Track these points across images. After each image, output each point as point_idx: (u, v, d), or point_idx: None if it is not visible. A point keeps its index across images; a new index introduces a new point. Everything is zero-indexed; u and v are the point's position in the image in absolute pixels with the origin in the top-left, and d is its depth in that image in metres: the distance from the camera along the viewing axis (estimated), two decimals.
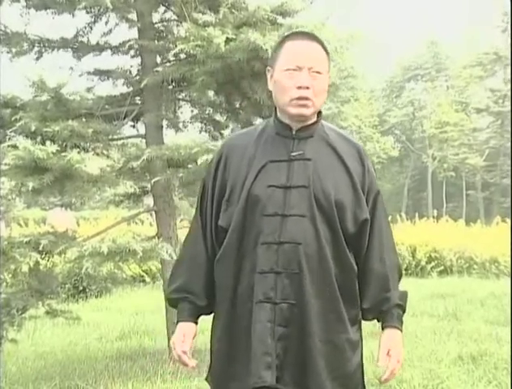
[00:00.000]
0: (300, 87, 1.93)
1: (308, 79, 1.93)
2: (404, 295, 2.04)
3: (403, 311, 2.03)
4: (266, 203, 1.93)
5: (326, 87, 2.00)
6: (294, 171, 1.95)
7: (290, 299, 1.89)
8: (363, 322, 2.07)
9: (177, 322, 2.06)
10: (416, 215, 15.72)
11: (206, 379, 2.10)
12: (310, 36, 2.00)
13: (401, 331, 2.01)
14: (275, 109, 2.06)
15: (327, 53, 2.01)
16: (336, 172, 1.98)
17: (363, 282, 2.00)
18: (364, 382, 2.05)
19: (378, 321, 2.03)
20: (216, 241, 2.03)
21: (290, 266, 1.89)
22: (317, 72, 1.94)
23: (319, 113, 2.04)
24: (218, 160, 2.07)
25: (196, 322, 2.06)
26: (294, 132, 2.01)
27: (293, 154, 1.97)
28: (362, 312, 2.01)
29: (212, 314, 2.09)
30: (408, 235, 12.61)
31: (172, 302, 2.10)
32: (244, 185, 1.97)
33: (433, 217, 16.09)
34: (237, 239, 1.95)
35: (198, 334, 2.08)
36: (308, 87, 1.93)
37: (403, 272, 2.98)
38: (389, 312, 2.00)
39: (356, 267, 1.98)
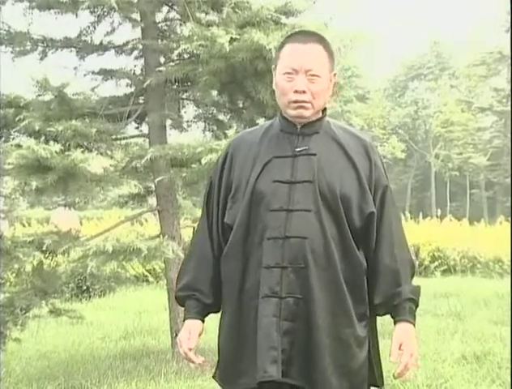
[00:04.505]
0: (296, 91, 1.94)
1: (304, 82, 1.93)
2: (417, 289, 2.01)
3: (416, 305, 2.00)
4: (271, 199, 1.93)
5: (325, 88, 1.98)
6: (299, 166, 1.96)
7: (296, 293, 1.89)
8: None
9: (184, 319, 2.06)
10: (420, 214, 15.74)
11: (213, 377, 2.10)
12: (311, 37, 1.99)
13: (414, 325, 1.98)
14: None
15: (330, 53, 1.99)
16: (341, 166, 1.97)
17: (373, 277, 1.98)
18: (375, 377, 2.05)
19: (391, 316, 2.01)
20: (223, 238, 2.04)
21: (296, 260, 1.89)
22: (316, 75, 1.94)
23: (324, 109, 2.04)
24: (224, 159, 2.09)
25: (203, 320, 2.07)
26: (299, 128, 2.01)
27: (298, 149, 1.98)
28: (374, 307, 1.99)
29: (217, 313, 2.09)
30: (412, 234, 12.48)
31: (179, 300, 2.11)
32: (249, 181, 1.97)
33: (437, 216, 16.05)
34: (243, 235, 1.96)
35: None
36: (304, 91, 1.93)
37: None
38: (400, 306, 1.97)
39: (364, 263, 1.96)
